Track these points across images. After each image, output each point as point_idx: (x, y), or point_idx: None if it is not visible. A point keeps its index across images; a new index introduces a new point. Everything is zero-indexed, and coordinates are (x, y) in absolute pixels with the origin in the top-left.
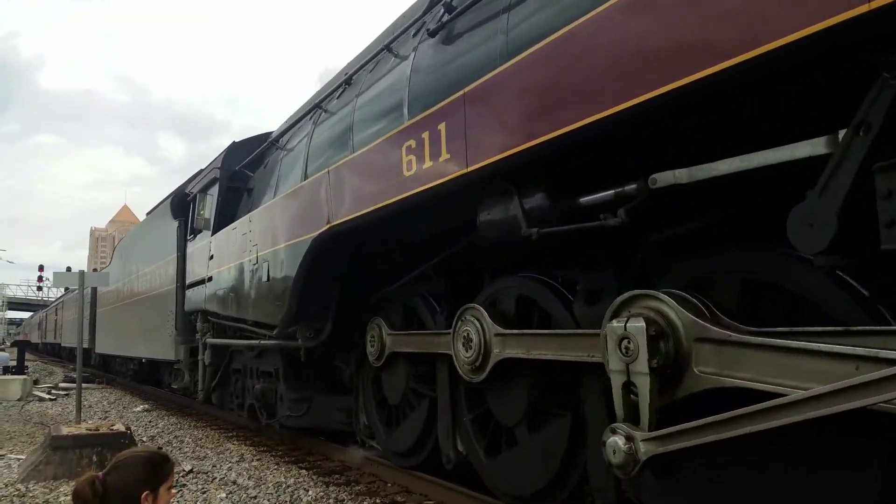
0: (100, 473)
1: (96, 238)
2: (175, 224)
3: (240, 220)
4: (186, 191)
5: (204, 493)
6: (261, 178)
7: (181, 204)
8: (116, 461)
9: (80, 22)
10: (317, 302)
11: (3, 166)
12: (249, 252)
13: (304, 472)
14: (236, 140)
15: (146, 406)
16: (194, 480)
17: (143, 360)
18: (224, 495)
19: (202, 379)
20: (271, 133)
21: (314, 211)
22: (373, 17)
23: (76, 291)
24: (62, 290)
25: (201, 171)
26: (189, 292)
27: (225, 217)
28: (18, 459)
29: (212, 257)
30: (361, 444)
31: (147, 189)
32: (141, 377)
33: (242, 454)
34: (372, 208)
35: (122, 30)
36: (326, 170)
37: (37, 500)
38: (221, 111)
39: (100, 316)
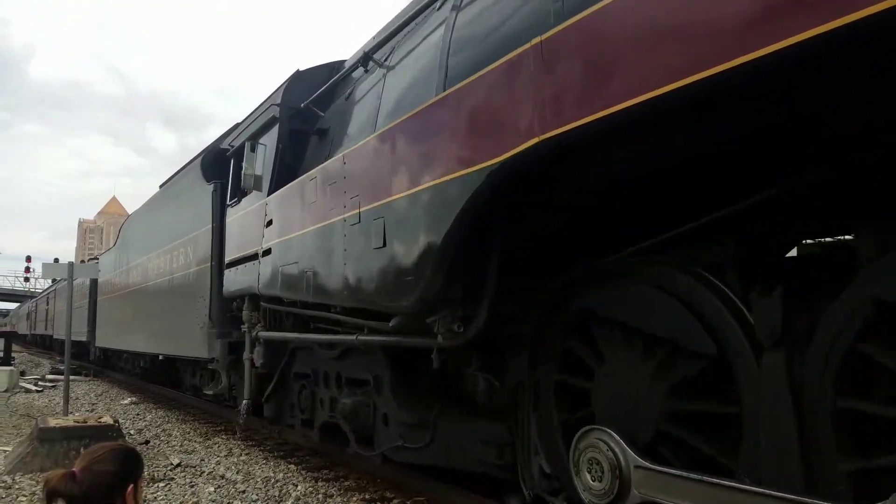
0: (73, 469)
1: (84, 230)
2: (208, 189)
3: (323, 165)
4: (222, 146)
5: (192, 486)
6: (340, 113)
7: (216, 163)
8: (91, 456)
9: (73, 12)
10: (464, 278)
11: None
12: (344, 208)
13: (292, 466)
14: (301, 69)
15: (133, 399)
16: (182, 474)
17: (161, 357)
18: (212, 489)
19: (249, 384)
20: (343, 61)
21: (493, 123)
22: (372, 16)
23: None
24: (49, 281)
25: (238, 124)
26: (230, 272)
27: (285, 170)
28: (4, 451)
29: (269, 224)
30: (534, 502)
31: (136, 180)
32: (153, 377)
33: (231, 448)
34: (685, 82)
35: (114, 22)
36: (538, 40)
37: (23, 493)
38: (213, 104)
39: (101, 305)
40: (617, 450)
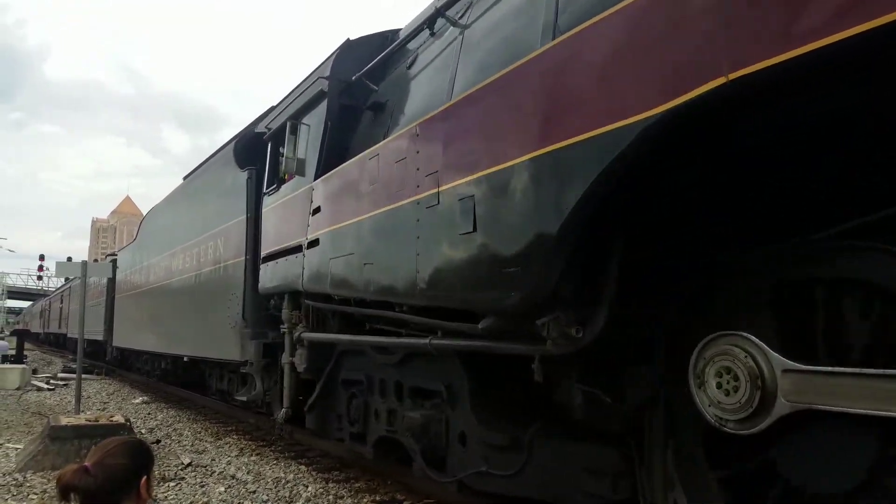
0: (86, 463)
1: (98, 229)
2: (241, 177)
3: (388, 140)
4: (257, 130)
5: (203, 486)
6: (400, 84)
7: (251, 148)
8: (103, 450)
9: (88, 13)
10: (582, 270)
11: (6, 155)
12: (417, 188)
13: (303, 467)
14: (351, 38)
15: (145, 398)
16: (193, 474)
17: (185, 359)
18: (223, 489)
19: (288, 390)
20: (398, 30)
21: (652, 63)
22: (372, 15)
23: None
24: (62, 280)
25: (275, 106)
26: (266, 267)
27: (334, 151)
28: (16, 449)
29: (316, 211)
30: None
31: (148, 180)
32: (174, 379)
33: (242, 448)
34: None
35: (129, 22)
36: None
37: (34, 490)
38: (227, 105)
39: (119, 303)
40: (758, 356)
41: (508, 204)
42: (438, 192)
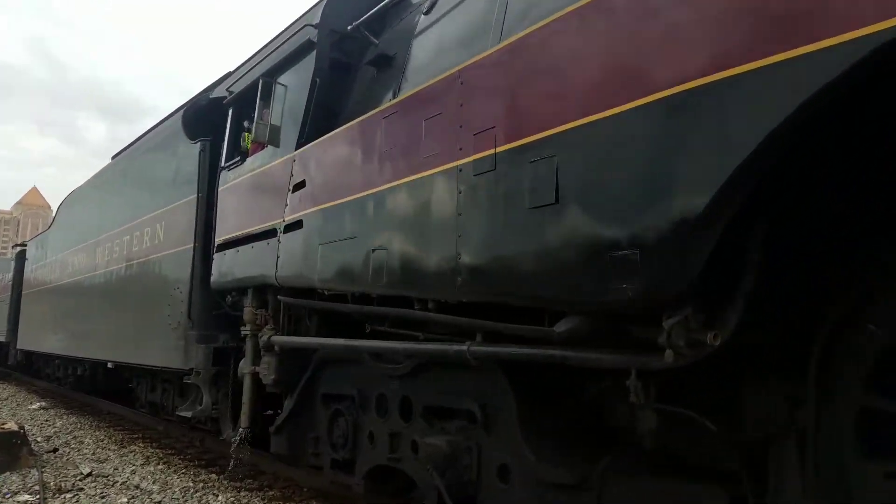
0: None
1: None
2: (193, 149)
3: (410, 94)
4: (213, 95)
5: (103, 497)
6: (410, 34)
7: (205, 117)
8: None
9: None
10: (725, 255)
11: None
12: (459, 151)
13: (213, 476)
14: None
15: (43, 404)
16: (93, 484)
17: (110, 366)
18: (125, 500)
19: (248, 406)
20: None
21: None
22: None
23: None
24: None
25: (238, 68)
26: (223, 256)
27: (321, 115)
28: None
29: (299, 187)
30: None
31: (62, 170)
32: (91, 388)
33: (148, 456)
34: None
35: (50, 5)
36: None
37: None
38: (150, 92)
39: (28, 300)
40: None
41: (621, 164)
42: (495, 154)
